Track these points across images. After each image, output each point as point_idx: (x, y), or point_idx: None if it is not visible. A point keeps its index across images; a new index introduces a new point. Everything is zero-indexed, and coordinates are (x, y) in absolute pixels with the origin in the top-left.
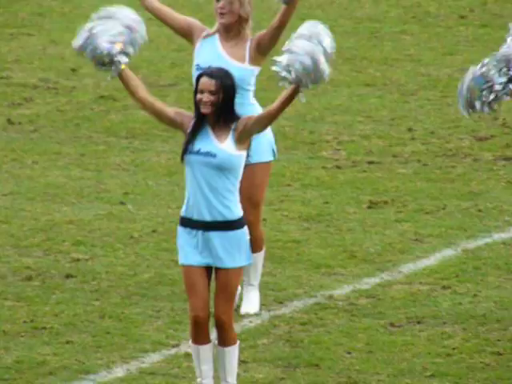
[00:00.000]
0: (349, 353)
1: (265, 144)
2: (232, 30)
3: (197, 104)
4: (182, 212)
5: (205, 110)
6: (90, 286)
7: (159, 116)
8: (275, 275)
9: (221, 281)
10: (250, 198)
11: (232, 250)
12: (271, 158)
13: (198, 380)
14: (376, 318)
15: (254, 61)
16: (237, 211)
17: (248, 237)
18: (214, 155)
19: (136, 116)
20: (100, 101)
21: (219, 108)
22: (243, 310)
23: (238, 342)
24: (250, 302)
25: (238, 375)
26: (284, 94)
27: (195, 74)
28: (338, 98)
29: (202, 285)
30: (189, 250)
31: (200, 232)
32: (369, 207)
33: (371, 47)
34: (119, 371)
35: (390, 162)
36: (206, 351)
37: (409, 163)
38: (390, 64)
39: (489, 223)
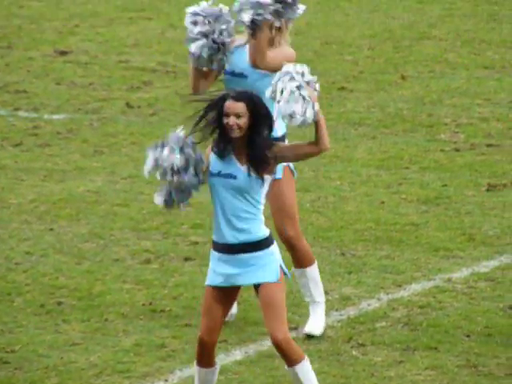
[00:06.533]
0: (467, 336)
1: None
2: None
3: (224, 127)
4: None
5: (233, 134)
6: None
7: None
8: (393, 258)
9: (261, 298)
10: (282, 212)
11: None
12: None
13: None
14: (495, 301)
15: None
16: (260, 232)
17: (276, 256)
18: (234, 177)
19: None
20: (219, 83)
21: (248, 132)
22: (307, 329)
23: (305, 357)
24: (315, 321)
25: (357, 358)
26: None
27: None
28: (456, 81)
29: (217, 309)
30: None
31: (225, 254)
32: (487, 190)
33: (490, 30)
34: (238, 354)
35: (509, 145)
36: (208, 375)
37: None
38: (508, 46)
39: None
